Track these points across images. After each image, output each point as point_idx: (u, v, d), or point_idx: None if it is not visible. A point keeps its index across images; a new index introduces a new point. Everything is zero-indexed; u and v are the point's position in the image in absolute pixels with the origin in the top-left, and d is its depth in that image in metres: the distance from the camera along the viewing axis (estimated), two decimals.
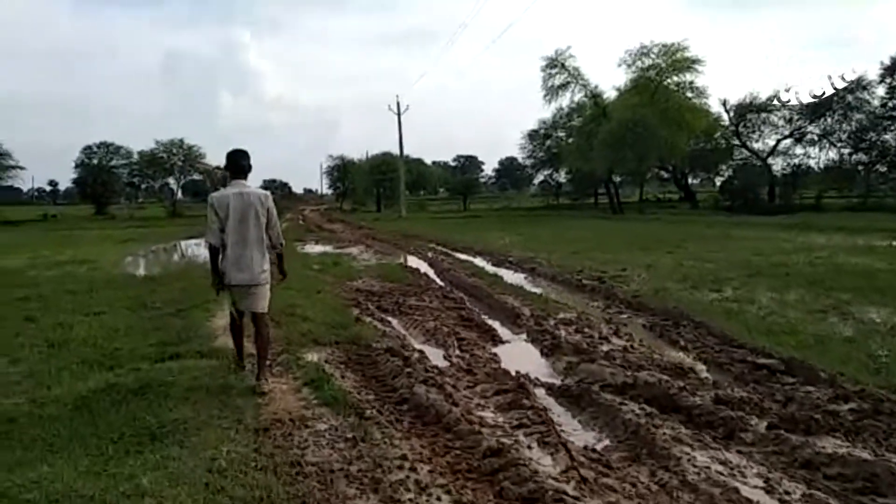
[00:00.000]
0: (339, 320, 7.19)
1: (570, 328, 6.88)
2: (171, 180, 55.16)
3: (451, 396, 4.38)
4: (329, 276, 11.52)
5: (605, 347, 5.99)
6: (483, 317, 7.62)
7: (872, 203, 30.94)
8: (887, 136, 30.76)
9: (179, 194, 57.92)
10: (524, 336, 6.84)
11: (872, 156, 31.95)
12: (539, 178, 54.83)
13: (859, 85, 31.52)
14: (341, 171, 63.65)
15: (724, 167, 42.61)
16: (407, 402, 4.42)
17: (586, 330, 6.74)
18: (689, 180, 46.99)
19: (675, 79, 32.25)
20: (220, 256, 4.77)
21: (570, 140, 41.91)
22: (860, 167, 33.01)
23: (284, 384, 4.91)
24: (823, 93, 31.04)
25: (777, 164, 37.02)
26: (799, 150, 35.97)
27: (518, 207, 52.65)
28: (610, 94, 36.65)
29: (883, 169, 32.09)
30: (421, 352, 5.84)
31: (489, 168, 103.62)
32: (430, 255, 15.67)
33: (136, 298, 9.06)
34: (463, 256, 15.29)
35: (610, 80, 66.52)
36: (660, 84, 32.15)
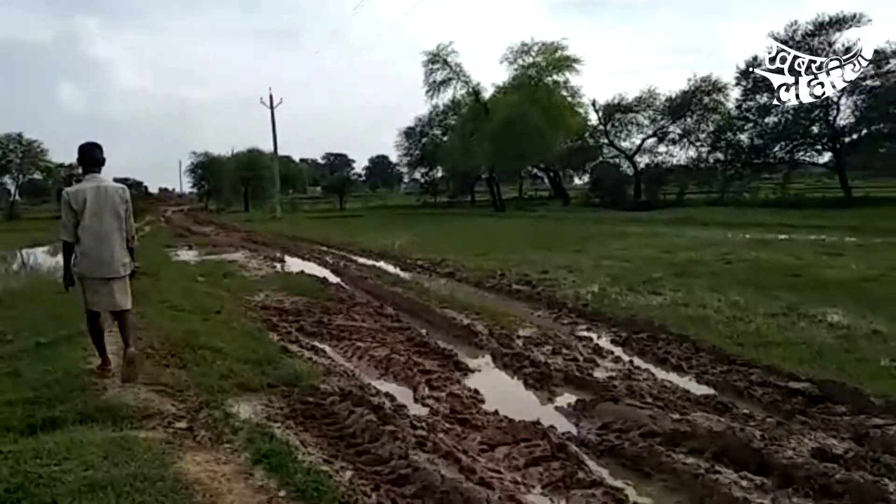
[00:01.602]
0: (262, 352, 5.71)
1: (542, 348, 5.91)
2: (8, 180, 48.09)
3: (472, 470, 3.22)
4: (222, 290, 9.81)
5: (600, 374, 5.10)
6: (434, 338, 6.46)
7: (729, 199, 33.23)
8: (742, 136, 33.09)
9: (17, 196, 50.83)
10: (491, 361, 5.82)
11: (728, 154, 34.27)
12: (415, 175, 53.88)
13: (715, 87, 33.76)
14: (205, 169, 58.94)
15: (591, 165, 44.19)
16: (410, 483, 3.21)
17: (564, 351, 5.79)
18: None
19: (554, 77, 32.64)
20: (74, 253, 4.64)
21: (447, 138, 41.48)
22: (718, 165, 35.26)
23: (224, 462, 3.48)
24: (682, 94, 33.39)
25: (642, 162, 38.78)
26: (662, 148, 37.89)
27: (396, 206, 51.43)
28: (489, 91, 36.58)
29: (732, 168, 34.47)
30: (389, 396, 4.61)
31: (359, 166, 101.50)
32: (329, 259, 14.21)
33: None
34: (366, 261, 13.98)
35: (489, 78, 67.22)
36: (539, 82, 32.40)
